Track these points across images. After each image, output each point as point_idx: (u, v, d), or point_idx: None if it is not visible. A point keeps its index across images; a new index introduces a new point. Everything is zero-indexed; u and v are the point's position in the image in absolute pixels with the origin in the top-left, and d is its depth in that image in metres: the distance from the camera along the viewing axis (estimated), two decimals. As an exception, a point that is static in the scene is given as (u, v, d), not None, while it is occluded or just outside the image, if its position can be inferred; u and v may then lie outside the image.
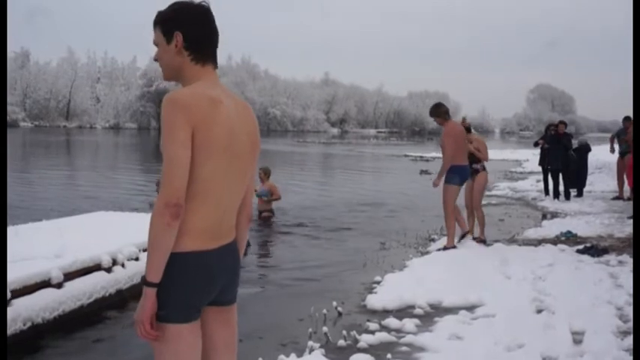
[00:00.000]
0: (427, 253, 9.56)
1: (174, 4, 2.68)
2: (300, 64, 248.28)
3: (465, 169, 9.56)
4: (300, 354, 5.21)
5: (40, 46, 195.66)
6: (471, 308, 6.58)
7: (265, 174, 12.49)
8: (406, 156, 38.62)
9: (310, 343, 5.46)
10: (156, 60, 2.74)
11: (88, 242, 7.19)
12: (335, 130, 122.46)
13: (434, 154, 40.87)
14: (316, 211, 14.28)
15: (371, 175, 24.29)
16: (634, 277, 5.66)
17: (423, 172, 25.86)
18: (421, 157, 37.72)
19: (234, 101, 2.71)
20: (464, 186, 9.88)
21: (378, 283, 7.72)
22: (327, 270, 8.73)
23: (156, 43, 2.71)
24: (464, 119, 11.22)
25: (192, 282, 2.55)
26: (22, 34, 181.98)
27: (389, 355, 5.16)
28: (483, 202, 15.72)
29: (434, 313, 6.54)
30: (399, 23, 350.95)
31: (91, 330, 5.98)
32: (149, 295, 2.47)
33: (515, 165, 31.74)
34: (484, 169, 10.29)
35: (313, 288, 7.77)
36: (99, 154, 40.10)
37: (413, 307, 6.66)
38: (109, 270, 6.76)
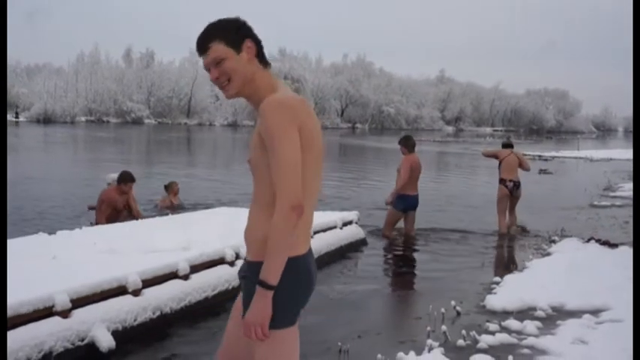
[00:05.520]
0: (548, 254, 9.32)
1: (229, 18, 2.68)
2: (415, 62, 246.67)
3: (412, 198, 10.68)
4: (418, 352, 5.20)
5: (164, 46, 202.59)
6: (595, 312, 6.38)
7: None
8: (524, 155, 37.47)
9: (429, 341, 5.43)
10: (216, 79, 2.66)
11: (212, 236, 7.43)
12: (450, 129, 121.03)
13: (553, 153, 39.71)
14: (429, 210, 14.16)
15: (486, 175, 23.84)
16: (634, 277, 5.36)
17: (542, 171, 25.21)
18: (540, 156, 36.67)
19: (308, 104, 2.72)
20: None
21: (498, 283, 7.60)
22: (444, 269, 8.65)
23: (216, 61, 2.62)
24: (509, 137, 13.51)
25: (301, 285, 2.59)
26: (148, 35, 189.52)
27: (510, 357, 5.07)
28: (606, 203, 15.36)
29: (556, 316, 6.38)
30: (516, 18, 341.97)
31: (214, 320, 6.17)
32: (269, 297, 2.49)
33: (642, 165, 30.39)
34: (499, 182, 11.71)
35: (430, 287, 7.72)
36: (220, 151, 41.18)
37: (534, 309, 6.52)
38: (231, 264, 6.96)
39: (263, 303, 2.48)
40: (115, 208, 10.20)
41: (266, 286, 2.47)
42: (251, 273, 2.60)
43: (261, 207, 2.59)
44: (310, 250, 2.68)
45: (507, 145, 12.31)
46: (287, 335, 2.60)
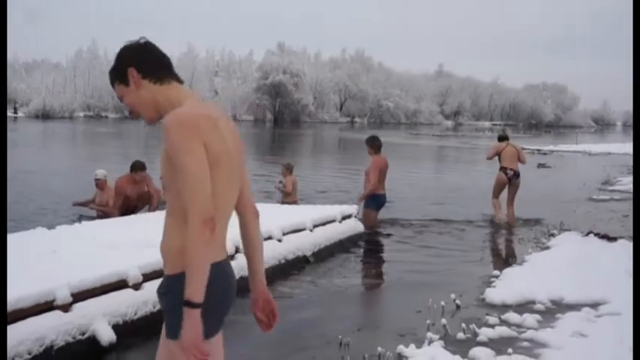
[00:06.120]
0: (547, 248, 9.33)
1: (118, 52, 2.67)
2: (414, 57, 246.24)
3: (382, 197, 10.90)
4: (419, 345, 5.22)
5: (161, 41, 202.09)
6: (594, 305, 6.39)
7: (287, 169, 12.89)
8: (523, 149, 37.23)
9: (429, 334, 5.46)
10: (131, 113, 2.72)
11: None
12: (449, 123, 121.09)
13: (552, 147, 39.72)
14: (429, 203, 14.21)
15: (485, 169, 23.98)
16: (634, 275, 5.38)
17: (541, 165, 25.21)
18: (539, 150, 36.67)
19: (219, 113, 2.66)
20: None
21: (497, 277, 7.62)
22: (443, 263, 8.67)
23: (120, 99, 2.70)
24: (503, 130, 13.73)
25: (215, 294, 2.49)
26: (145, 30, 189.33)
27: (510, 350, 5.09)
28: (605, 197, 15.40)
29: (555, 309, 6.40)
30: (515, 12, 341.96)
31: (215, 315, 6.17)
32: (196, 316, 2.36)
33: (640, 159, 30.39)
34: (500, 169, 12.21)
35: (430, 280, 7.73)
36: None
37: (533, 302, 6.54)
38: (231, 257, 6.96)
39: (192, 323, 2.37)
40: (128, 197, 10.24)
41: (192, 305, 2.36)
42: (171, 287, 2.51)
43: (174, 220, 2.53)
44: (227, 258, 2.65)
45: (503, 138, 12.64)
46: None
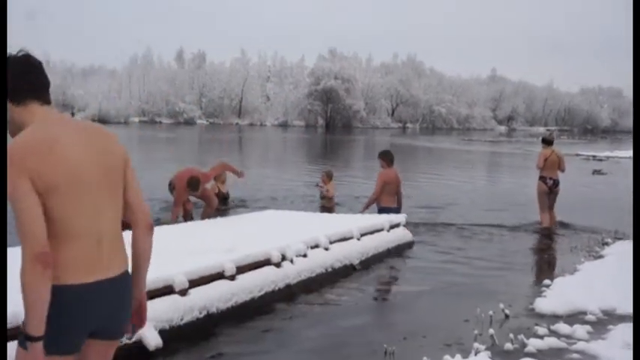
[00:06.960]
0: (600, 257, 9.13)
1: None
2: (465, 61, 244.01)
3: (393, 210, 10.74)
4: (465, 355, 5.15)
5: (215, 47, 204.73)
6: (648, 317, 6.22)
7: (328, 177, 13.98)
8: (578, 155, 36.62)
9: (476, 344, 5.37)
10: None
11: (258, 238, 7.49)
12: (502, 128, 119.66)
13: (607, 154, 38.90)
14: (478, 209, 14.04)
15: (536, 174, 23.69)
16: (634, 276, 5.18)
17: (596, 172, 24.69)
18: (594, 156, 35.94)
19: (77, 131, 2.60)
20: None
21: (548, 286, 7.47)
22: (493, 271, 8.55)
23: None
24: (550, 133, 13.71)
25: (66, 314, 2.48)
26: (200, 36, 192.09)
27: (558, 362, 4.99)
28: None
29: (607, 320, 6.25)
30: (569, 15, 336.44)
31: (261, 320, 6.21)
32: (38, 349, 2.38)
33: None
34: (539, 178, 12.19)
35: (478, 289, 7.62)
36: (270, 151, 41.39)
37: (584, 313, 6.40)
38: (278, 265, 6.99)
39: (32, 355, 2.38)
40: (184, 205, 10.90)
41: (30, 339, 2.38)
42: None
43: None
44: (102, 281, 2.60)
45: (548, 142, 12.51)
46: None
